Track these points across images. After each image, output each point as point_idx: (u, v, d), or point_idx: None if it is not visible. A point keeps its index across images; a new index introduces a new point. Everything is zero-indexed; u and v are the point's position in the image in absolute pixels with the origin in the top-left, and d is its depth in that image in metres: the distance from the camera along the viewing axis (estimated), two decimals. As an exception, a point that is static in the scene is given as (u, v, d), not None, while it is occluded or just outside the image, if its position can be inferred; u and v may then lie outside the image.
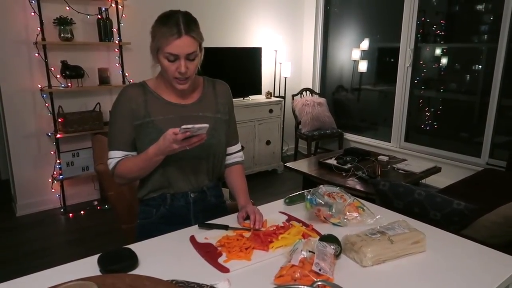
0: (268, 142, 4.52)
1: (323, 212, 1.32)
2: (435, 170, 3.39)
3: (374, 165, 3.32)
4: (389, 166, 3.40)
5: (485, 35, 3.91)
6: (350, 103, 5.37)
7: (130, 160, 1.34)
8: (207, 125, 1.15)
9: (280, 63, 4.89)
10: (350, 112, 5.36)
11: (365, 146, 4.56)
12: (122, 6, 3.64)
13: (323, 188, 1.41)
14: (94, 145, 2.49)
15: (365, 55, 4.96)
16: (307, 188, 3.58)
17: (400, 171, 3.31)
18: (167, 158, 1.30)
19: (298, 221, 1.34)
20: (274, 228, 1.26)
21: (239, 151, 1.56)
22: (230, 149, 1.53)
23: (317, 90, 5.31)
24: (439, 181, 3.71)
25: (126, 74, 3.74)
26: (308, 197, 1.35)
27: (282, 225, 1.29)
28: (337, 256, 1.10)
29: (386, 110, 4.89)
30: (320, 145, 5.29)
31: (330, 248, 1.06)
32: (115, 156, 1.35)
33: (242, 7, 4.60)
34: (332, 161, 3.47)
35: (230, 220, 1.37)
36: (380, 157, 3.64)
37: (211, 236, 1.23)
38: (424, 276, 1.05)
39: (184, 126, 1.13)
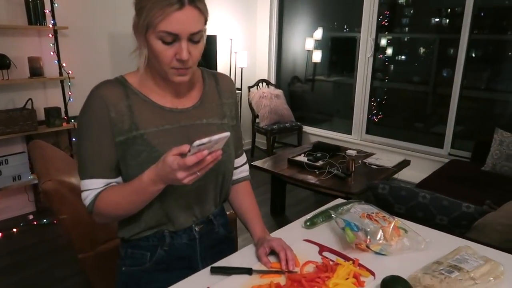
0: (226, 138, 4.18)
1: (364, 239, 1.06)
2: (405, 164, 3.32)
3: (346, 161, 3.15)
4: (360, 161, 3.27)
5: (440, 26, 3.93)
6: (305, 95, 5.21)
7: (115, 191, 0.95)
8: (227, 133, 0.81)
9: (236, 53, 4.56)
10: (306, 104, 5.20)
11: (325, 139, 4.41)
12: (55, -17, 3.07)
13: (356, 207, 1.14)
14: (32, 154, 2.00)
15: (318, 45, 4.81)
16: (276, 188, 3.37)
17: (372, 166, 3.18)
18: (165, 199, 0.95)
19: (334, 252, 1.06)
20: (315, 268, 0.97)
21: (245, 163, 1.23)
22: (236, 162, 1.19)
23: (273, 81, 5.06)
24: (407, 174, 3.65)
25: (63, 65, 3.18)
26: (345, 219, 1.07)
27: (322, 262, 1.00)
28: (411, 306, 0.84)
29: (342, 101, 4.80)
30: (278, 139, 5.07)
31: (408, 299, 0.80)
32: (92, 186, 0.96)
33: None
34: (302, 158, 3.25)
35: (243, 257, 1.05)
36: (348, 151, 3.50)
37: (233, 287, 0.91)
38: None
39: (197, 142, 0.77)
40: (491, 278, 0.90)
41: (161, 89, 1.01)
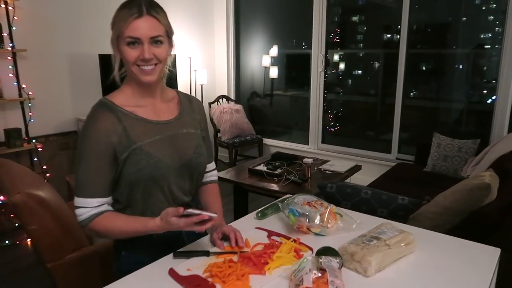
0: (189, 153, 4.31)
1: (305, 223, 1.25)
2: (357, 168, 3.59)
3: (302, 168, 3.37)
4: (315, 168, 3.50)
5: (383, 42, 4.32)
6: (264, 109, 5.45)
7: (116, 223, 1.13)
8: (215, 214, 1.06)
9: (195, 70, 4.74)
10: (265, 117, 5.44)
11: (285, 150, 4.63)
12: (13, 7, 3.13)
13: (299, 197, 1.34)
14: (-2, 171, 2.06)
15: (274, 61, 5.09)
16: (239, 197, 3.53)
17: (327, 171, 3.42)
18: (153, 192, 1.18)
19: (280, 235, 1.24)
20: (263, 247, 1.15)
21: (214, 169, 1.45)
22: (207, 167, 1.40)
23: (232, 97, 5.27)
24: (358, 178, 3.92)
25: (23, 86, 3.23)
26: (290, 207, 1.26)
27: (270, 242, 1.18)
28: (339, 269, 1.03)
29: (299, 114, 5.07)
30: (240, 152, 5.25)
31: (335, 262, 0.99)
32: (88, 205, 1.12)
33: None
34: (262, 168, 3.44)
35: (201, 245, 1.22)
36: (305, 159, 3.72)
37: (193, 266, 1.07)
38: (425, 277, 1.04)
39: (190, 210, 1.02)
40: (403, 244, 1.11)
41: (142, 104, 1.20)
